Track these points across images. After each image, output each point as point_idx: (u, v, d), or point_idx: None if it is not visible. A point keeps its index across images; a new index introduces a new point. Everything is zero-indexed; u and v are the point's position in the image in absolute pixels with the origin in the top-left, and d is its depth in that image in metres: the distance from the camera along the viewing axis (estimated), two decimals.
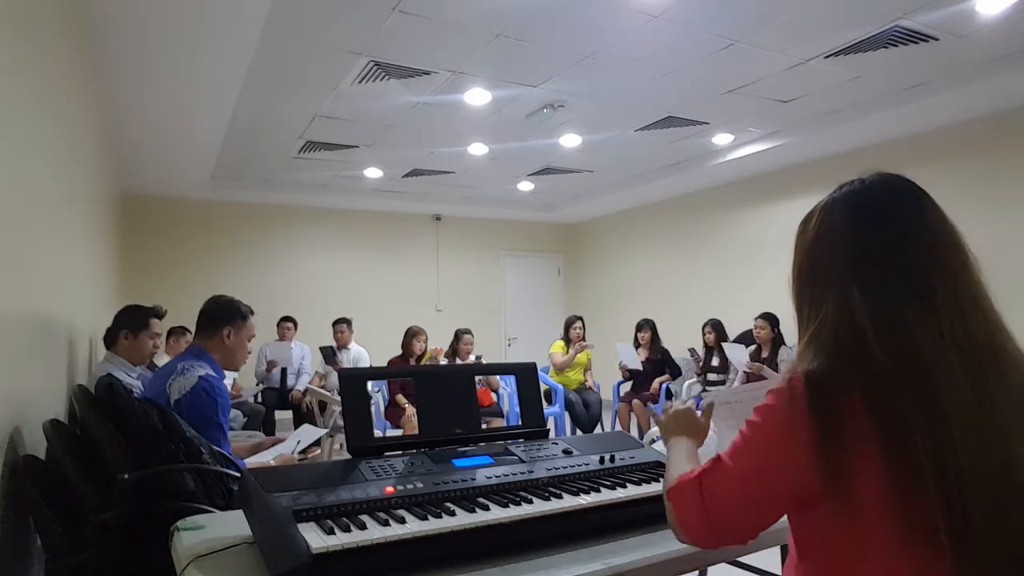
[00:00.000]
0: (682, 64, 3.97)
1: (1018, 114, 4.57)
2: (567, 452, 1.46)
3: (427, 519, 1.08)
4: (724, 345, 5.43)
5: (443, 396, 1.50)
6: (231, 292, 2.48)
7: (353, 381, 1.41)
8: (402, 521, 1.07)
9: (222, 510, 1.46)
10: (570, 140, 5.51)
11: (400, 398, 5.12)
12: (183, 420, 1.79)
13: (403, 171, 6.46)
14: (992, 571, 0.77)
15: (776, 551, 1.50)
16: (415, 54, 3.77)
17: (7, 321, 1.65)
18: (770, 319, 5.17)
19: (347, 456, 1.35)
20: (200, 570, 1.07)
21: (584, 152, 5.92)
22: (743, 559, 1.67)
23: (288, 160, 6.00)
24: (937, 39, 3.67)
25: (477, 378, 2.90)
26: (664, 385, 5.82)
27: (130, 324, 3.07)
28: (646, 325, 6.11)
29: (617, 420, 5.88)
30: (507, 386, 5.61)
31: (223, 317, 2.32)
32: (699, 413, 1.25)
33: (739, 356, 5.21)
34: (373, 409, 4.67)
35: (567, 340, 6.13)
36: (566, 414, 5.88)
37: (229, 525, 1.24)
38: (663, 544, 1.17)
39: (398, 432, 4.83)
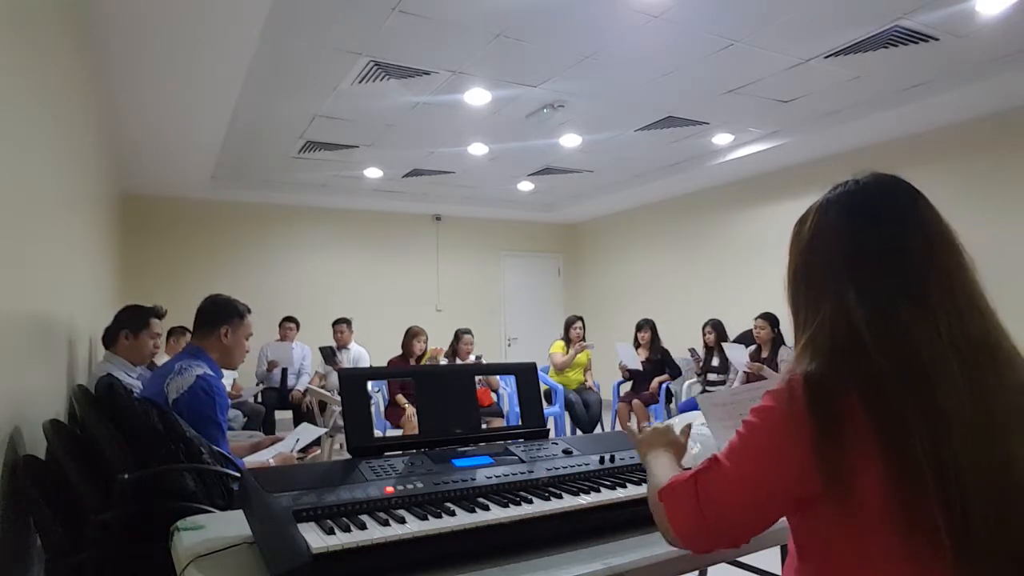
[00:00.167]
0: (682, 64, 3.97)
1: (1018, 114, 4.57)
2: (567, 452, 1.46)
3: (427, 519, 1.08)
4: (724, 345, 5.43)
5: (443, 396, 1.50)
6: (231, 292, 2.48)
7: (353, 381, 1.41)
8: (402, 521, 1.07)
9: (222, 510, 1.46)
10: (570, 140, 5.51)
11: (400, 398, 5.12)
12: (182, 420, 1.79)
13: (403, 171, 6.46)
14: (992, 571, 0.77)
15: (776, 551, 1.51)
16: (415, 54, 3.77)
17: (7, 321, 1.65)
18: (770, 319, 5.17)
19: (347, 456, 1.35)
20: (200, 570, 1.07)
21: (584, 152, 5.92)
22: (743, 559, 1.67)
23: (288, 160, 6.00)
24: (937, 39, 3.67)
25: (477, 378, 2.90)
26: (664, 385, 5.82)
27: (130, 324, 3.07)
28: (646, 325, 6.11)
29: (617, 420, 5.88)
30: (507, 386, 5.61)
31: (220, 316, 2.32)
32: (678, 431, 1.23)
33: (739, 356, 5.21)
34: (373, 409, 4.67)
35: (567, 340, 6.13)
36: (566, 414, 5.88)
37: (229, 525, 1.24)
38: (663, 544, 1.16)
39: (398, 432, 4.84)
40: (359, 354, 6.20)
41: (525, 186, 7.27)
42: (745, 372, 5.14)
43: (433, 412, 1.48)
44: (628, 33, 3.53)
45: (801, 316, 0.95)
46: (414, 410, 4.31)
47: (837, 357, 0.85)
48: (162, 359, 4.37)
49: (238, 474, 1.66)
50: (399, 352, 5.49)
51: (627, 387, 6.09)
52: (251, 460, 2.28)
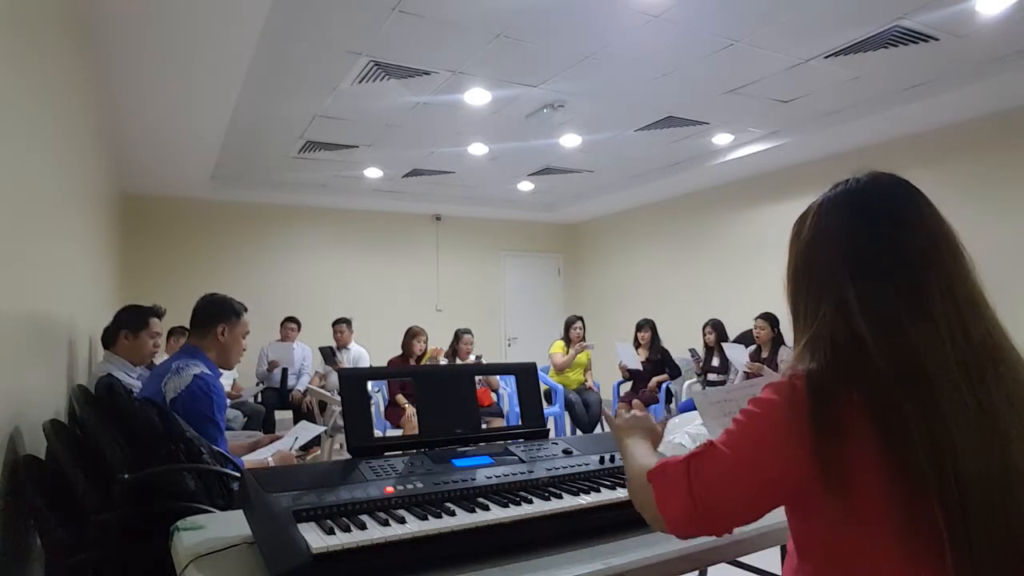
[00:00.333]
0: (682, 64, 3.97)
1: (1018, 114, 4.57)
2: (567, 452, 1.46)
3: (427, 519, 1.09)
4: (724, 345, 5.43)
5: (443, 396, 1.50)
6: (231, 292, 2.48)
7: (353, 381, 1.41)
8: (402, 521, 1.07)
9: (222, 510, 1.46)
10: (570, 140, 5.51)
11: (400, 398, 5.12)
12: (182, 420, 1.79)
13: (403, 171, 6.46)
14: (993, 572, 0.77)
15: (776, 551, 1.51)
16: (415, 54, 3.77)
17: (7, 321, 1.65)
18: (770, 319, 5.17)
19: (347, 456, 1.35)
20: (200, 570, 1.07)
21: (584, 152, 5.92)
22: (743, 559, 1.67)
23: (288, 160, 6.00)
24: (937, 39, 3.67)
25: (477, 378, 2.90)
26: (664, 385, 5.83)
27: (130, 324, 3.07)
28: (646, 325, 6.11)
29: None
30: (507, 386, 5.61)
31: (216, 315, 2.31)
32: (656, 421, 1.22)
33: (739, 356, 5.21)
34: (373, 409, 4.67)
35: (567, 340, 6.14)
36: (566, 414, 5.89)
37: (229, 525, 1.24)
38: (663, 544, 1.17)
39: (398, 432, 4.84)
40: (359, 354, 6.20)
41: (525, 186, 7.27)
42: (745, 372, 5.14)
43: (433, 412, 1.48)
44: (628, 33, 3.53)
45: (801, 315, 0.94)
46: (414, 410, 4.31)
47: (838, 358, 0.85)
48: (162, 359, 4.37)
49: (238, 474, 1.66)
50: (399, 352, 5.49)
51: (627, 387, 6.09)
52: (250, 459, 2.28)
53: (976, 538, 0.76)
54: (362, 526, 1.04)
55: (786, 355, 5.00)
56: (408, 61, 3.86)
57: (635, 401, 5.74)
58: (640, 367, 5.88)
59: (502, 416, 5.38)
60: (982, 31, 3.58)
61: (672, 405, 5.85)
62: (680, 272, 7.49)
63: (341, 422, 2.34)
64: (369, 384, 1.61)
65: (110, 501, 1.45)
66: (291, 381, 6.15)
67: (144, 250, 6.69)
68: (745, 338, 5.58)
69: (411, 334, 5.41)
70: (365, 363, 6.12)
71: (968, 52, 3.87)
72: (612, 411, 1.24)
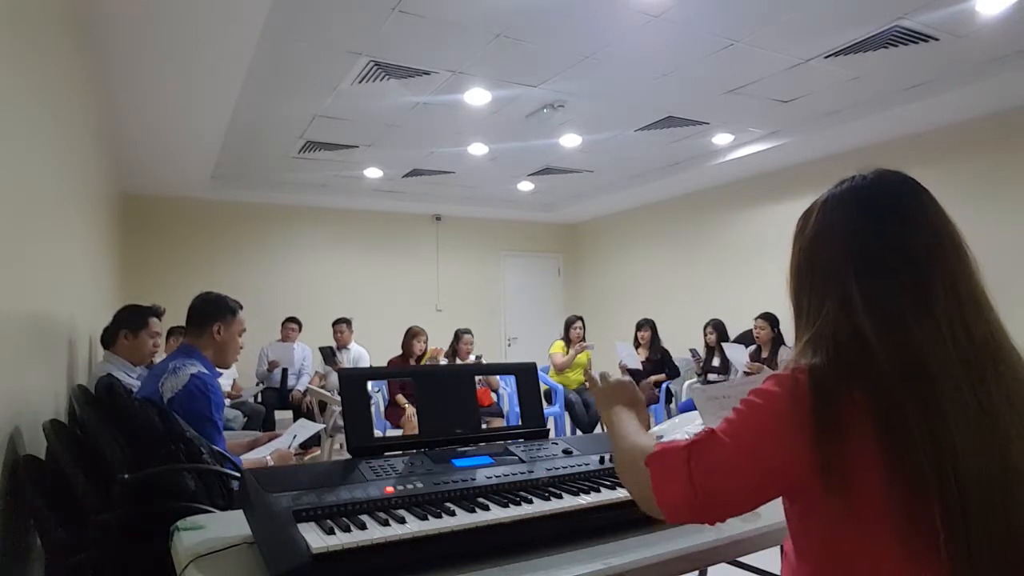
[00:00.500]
0: (682, 64, 3.97)
1: (1018, 114, 4.57)
2: (567, 452, 1.46)
3: (427, 519, 1.09)
4: (724, 345, 5.43)
5: (443, 396, 1.50)
6: (231, 292, 2.47)
7: (353, 381, 1.41)
8: (402, 521, 1.07)
9: (222, 510, 1.46)
10: (570, 140, 5.51)
11: (400, 398, 5.12)
12: (182, 420, 1.79)
13: (403, 171, 6.46)
14: (993, 570, 0.77)
15: (776, 551, 1.50)
16: (415, 54, 3.77)
17: (7, 321, 1.65)
18: (770, 319, 5.18)
19: (347, 456, 1.35)
20: (200, 570, 1.07)
21: (584, 152, 5.92)
22: (743, 559, 1.67)
23: (288, 160, 6.00)
24: (937, 39, 3.67)
25: (477, 378, 2.90)
26: (664, 385, 5.83)
27: (130, 323, 3.07)
28: (646, 324, 6.12)
29: None
30: (507, 386, 5.61)
31: (212, 314, 2.30)
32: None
33: (739, 356, 5.21)
34: (373, 409, 4.67)
35: (567, 340, 6.14)
36: (566, 414, 5.89)
37: (229, 525, 1.24)
38: (663, 544, 1.17)
39: (398, 432, 4.84)
40: (359, 354, 6.20)
41: (525, 186, 7.27)
42: (745, 372, 5.14)
43: (433, 412, 1.48)
44: (628, 33, 3.53)
45: (804, 312, 0.94)
46: (414, 410, 4.31)
47: (840, 355, 0.85)
48: (161, 359, 4.37)
49: (238, 474, 1.66)
50: (399, 352, 5.49)
51: None
52: (249, 458, 2.28)
53: (975, 538, 0.76)
54: (362, 526, 1.04)
55: (786, 355, 5.00)
56: (408, 61, 3.86)
57: None
58: (640, 367, 5.88)
59: (502, 416, 5.38)
60: (982, 31, 3.58)
61: (672, 405, 5.85)
62: (680, 272, 7.49)
63: (341, 422, 2.33)
64: (369, 384, 1.61)
65: (110, 501, 1.45)
66: (291, 381, 6.15)
67: (144, 250, 6.69)
68: (745, 338, 5.58)
69: (411, 334, 5.41)
70: (365, 363, 6.12)
71: (968, 52, 3.87)
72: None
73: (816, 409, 0.82)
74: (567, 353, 6.06)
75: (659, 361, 5.98)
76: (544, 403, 3.52)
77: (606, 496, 1.26)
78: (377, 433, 1.91)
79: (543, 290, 9.29)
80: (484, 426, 1.57)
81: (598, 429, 5.80)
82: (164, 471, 1.57)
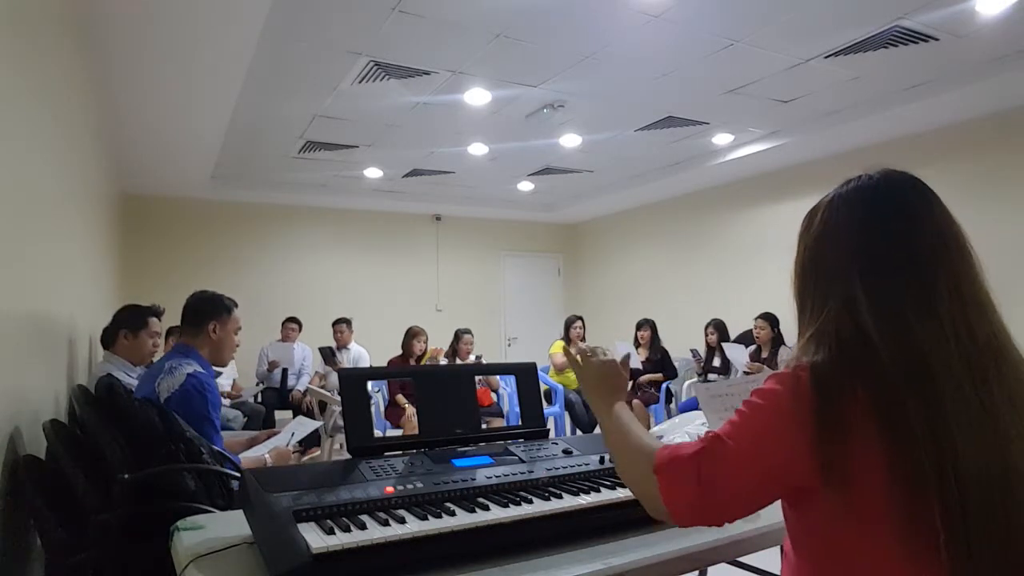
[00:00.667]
0: (682, 64, 3.97)
1: (1018, 114, 4.57)
2: (567, 452, 1.46)
3: (427, 519, 1.08)
4: (724, 345, 5.43)
5: (443, 396, 1.50)
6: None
7: (353, 381, 1.41)
8: (402, 521, 1.07)
9: (222, 510, 1.46)
10: (570, 140, 5.51)
11: (400, 398, 5.12)
12: (182, 420, 1.79)
13: (403, 171, 6.46)
14: (992, 570, 0.77)
15: (776, 551, 1.50)
16: (415, 54, 3.77)
17: (7, 321, 1.65)
18: (770, 319, 5.18)
19: (347, 456, 1.35)
20: (200, 570, 1.07)
21: (584, 152, 5.92)
22: (743, 559, 1.67)
23: (288, 160, 6.00)
24: (937, 39, 3.67)
25: (477, 378, 2.90)
26: (664, 385, 5.83)
27: (129, 323, 3.07)
28: (646, 324, 6.12)
29: None
30: (507, 386, 5.61)
31: (207, 312, 2.29)
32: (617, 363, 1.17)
33: (739, 356, 5.21)
34: (373, 409, 4.67)
35: (567, 340, 6.14)
36: (566, 414, 5.89)
37: (229, 525, 1.24)
38: (663, 544, 1.17)
39: (398, 432, 4.84)
40: (359, 354, 6.20)
41: (525, 186, 7.27)
42: (745, 372, 5.14)
43: (433, 412, 1.48)
44: (628, 33, 3.53)
45: (807, 309, 0.94)
46: (414, 410, 4.31)
47: (843, 352, 0.85)
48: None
49: (238, 474, 1.66)
50: (399, 352, 5.49)
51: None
52: (247, 456, 2.27)
53: (975, 538, 0.76)
54: (362, 526, 1.04)
55: (786, 355, 5.00)
56: (408, 61, 3.86)
57: (635, 401, 5.74)
58: (640, 366, 5.88)
59: (502, 416, 5.38)
60: (982, 31, 3.58)
61: (672, 405, 5.85)
62: (680, 272, 7.49)
63: (341, 422, 2.33)
64: (369, 384, 1.61)
65: (110, 501, 1.45)
66: (291, 381, 6.15)
67: (144, 250, 6.69)
68: (745, 338, 5.58)
69: (411, 334, 5.41)
70: (365, 363, 6.12)
71: (968, 52, 3.87)
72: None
73: (818, 406, 0.82)
74: None
75: (659, 361, 5.98)
76: (544, 403, 3.52)
77: (606, 496, 1.26)
78: (377, 433, 1.91)
79: (543, 290, 9.29)
80: (484, 426, 1.57)
81: (598, 429, 5.80)
82: (164, 471, 1.57)
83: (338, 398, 4.47)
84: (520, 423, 1.59)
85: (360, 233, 7.96)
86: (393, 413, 5.13)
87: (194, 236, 7.01)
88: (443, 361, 5.45)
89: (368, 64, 3.88)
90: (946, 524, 0.76)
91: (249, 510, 1.17)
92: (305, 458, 5.38)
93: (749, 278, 6.52)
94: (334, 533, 1.01)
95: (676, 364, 6.03)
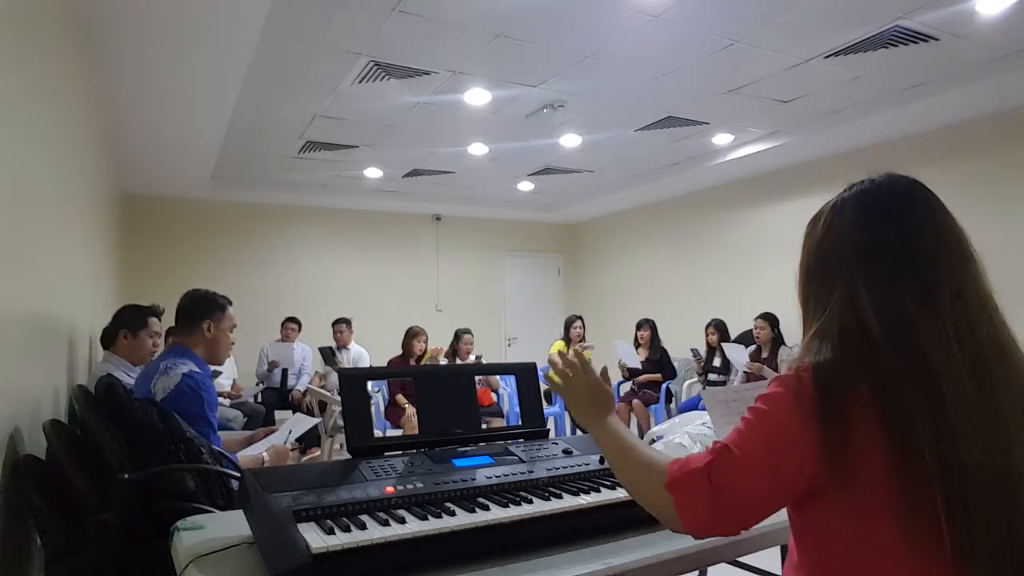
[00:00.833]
0: (682, 64, 3.97)
1: (1018, 114, 4.57)
2: (567, 452, 1.46)
3: (427, 519, 1.08)
4: (724, 345, 5.43)
5: (443, 396, 1.50)
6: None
7: (353, 381, 1.41)
8: (402, 521, 1.07)
9: (222, 510, 1.46)
10: (570, 140, 5.51)
11: (400, 398, 5.12)
12: (182, 420, 1.78)
13: (403, 171, 6.46)
14: (992, 565, 0.77)
15: (776, 551, 1.51)
16: (415, 54, 3.77)
17: (7, 321, 1.65)
18: (770, 319, 5.17)
19: (347, 456, 1.35)
20: (200, 570, 1.07)
21: (584, 152, 5.92)
22: (743, 559, 1.67)
23: (288, 160, 6.00)
24: (937, 39, 3.67)
25: (477, 378, 2.90)
26: (664, 385, 5.82)
27: (129, 323, 3.07)
28: (646, 324, 6.12)
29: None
30: (507, 386, 5.61)
31: (201, 311, 2.28)
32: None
33: (739, 356, 5.21)
34: (373, 409, 4.67)
35: (567, 340, 6.14)
36: (566, 414, 5.88)
37: (229, 525, 1.24)
38: (663, 544, 1.17)
39: (398, 432, 4.84)
40: (359, 354, 6.20)
41: (525, 186, 7.27)
42: (745, 372, 5.14)
43: (433, 412, 1.48)
44: (628, 33, 3.53)
45: (811, 308, 0.95)
46: (414, 410, 4.31)
47: (845, 349, 0.86)
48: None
49: (238, 474, 1.65)
50: (399, 352, 5.49)
51: (627, 387, 6.09)
52: (245, 454, 2.27)
53: (977, 536, 0.77)
54: (362, 526, 1.04)
55: (786, 355, 5.00)
56: (408, 61, 3.86)
57: (635, 401, 5.74)
58: (639, 366, 5.88)
59: (502, 416, 5.38)
60: (982, 31, 3.58)
61: (672, 405, 5.86)
62: (680, 272, 7.49)
63: (341, 422, 2.33)
64: (369, 384, 1.61)
65: (110, 501, 1.45)
66: (291, 381, 6.15)
67: (144, 250, 6.69)
68: (745, 338, 5.58)
69: (411, 334, 5.42)
70: (365, 363, 6.12)
71: (968, 52, 3.87)
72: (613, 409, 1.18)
73: (820, 404, 0.83)
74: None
75: (658, 361, 5.98)
76: (544, 403, 3.52)
77: (606, 496, 1.26)
78: (377, 433, 1.91)
79: (543, 290, 9.29)
80: (484, 426, 1.57)
81: None
82: (164, 471, 1.57)
83: (338, 398, 4.47)
84: (520, 423, 1.59)
85: (360, 233, 7.96)
86: (393, 413, 5.13)
87: (194, 236, 7.01)
88: (443, 361, 5.45)
89: (368, 64, 3.88)
90: (948, 522, 0.77)
91: (249, 510, 1.17)
92: (305, 458, 5.39)
93: (749, 278, 6.52)
94: (334, 533, 1.01)
95: (676, 364, 6.03)
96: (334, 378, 5.78)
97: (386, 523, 1.06)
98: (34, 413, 1.96)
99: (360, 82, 4.15)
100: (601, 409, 1.11)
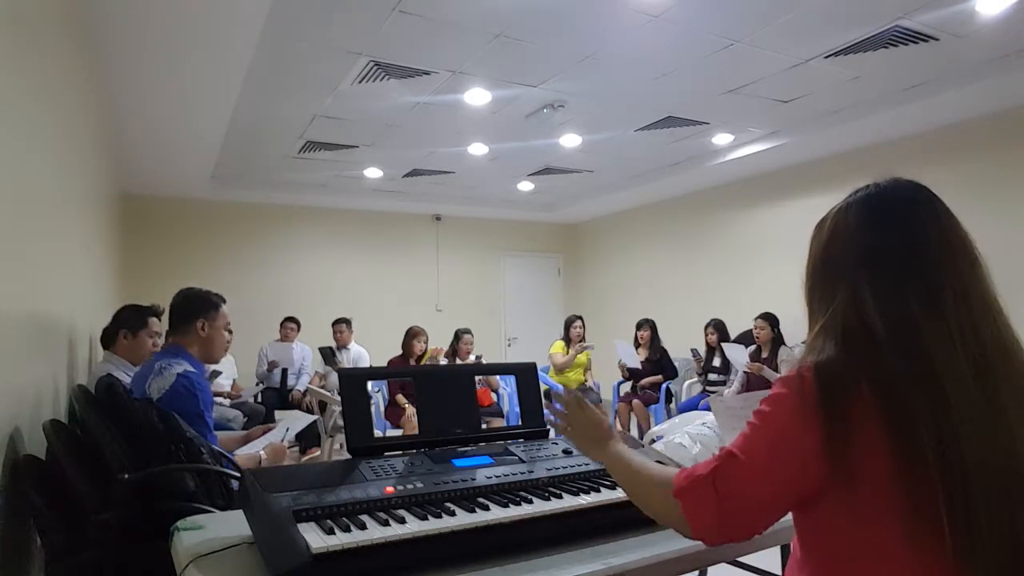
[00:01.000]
0: (682, 64, 3.97)
1: (1018, 114, 4.57)
2: (567, 452, 1.46)
3: (427, 519, 1.09)
4: (724, 345, 5.43)
5: (443, 396, 1.50)
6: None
7: (353, 381, 1.41)
8: (402, 521, 1.07)
9: (222, 510, 1.46)
10: (570, 140, 5.51)
11: (400, 398, 5.12)
12: (182, 420, 1.78)
13: (403, 171, 6.46)
14: (994, 565, 0.77)
15: (776, 551, 1.51)
16: (415, 54, 3.77)
17: (7, 321, 1.65)
18: (770, 319, 5.17)
19: (347, 456, 1.35)
20: (200, 570, 1.07)
21: (584, 152, 5.92)
22: (743, 559, 1.67)
23: (288, 160, 6.00)
24: (937, 39, 3.67)
25: (477, 378, 2.89)
26: (664, 385, 5.82)
27: (129, 323, 3.07)
28: (646, 324, 6.11)
29: (617, 420, 5.88)
30: (507, 386, 5.61)
31: (195, 310, 2.26)
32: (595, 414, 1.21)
33: (739, 356, 5.21)
34: (373, 409, 4.67)
35: (567, 340, 6.14)
36: None
37: (229, 525, 1.24)
38: (663, 544, 1.17)
39: (398, 432, 4.84)
40: (359, 354, 6.20)
41: (525, 186, 7.27)
42: (745, 372, 5.14)
43: (433, 412, 1.48)
44: (628, 33, 3.53)
45: (816, 307, 0.96)
46: (414, 410, 4.31)
47: (848, 348, 0.87)
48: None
49: (238, 474, 1.65)
50: (399, 352, 5.49)
51: (627, 387, 6.09)
52: (242, 452, 2.26)
53: (979, 535, 0.77)
54: (362, 526, 1.04)
55: (786, 355, 5.00)
56: (408, 61, 3.86)
57: (635, 401, 5.74)
58: (639, 366, 5.88)
59: (502, 416, 5.38)
60: (982, 31, 3.58)
61: (672, 405, 5.85)
62: (680, 272, 7.49)
63: (341, 422, 2.33)
64: (369, 384, 1.61)
65: (110, 501, 1.45)
66: (291, 381, 6.15)
67: (144, 250, 6.69)
68: (745, 338, 5.58)
69: (411, 334, 5.41)
70: (365, 363, 6.12)
71: (968, 52, 3.87)
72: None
73: (823, 403, 0.84)
74: (567, 353, 6.06)
75: (659, 361, 5.98)
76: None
77: (606, 496, 1.26)
78: (377, 433, 1.91)
79: (543, 290, 9.29)
80: (484, 426, 1.57)
81: None
82: (164, 471, 1.57)
83: (338, 398, 4.47)
84: (520, 423, 1.59)
85: (360, 233, 7.96)
86: (393, 413, 5.13)
87: (194, 236, 7.02)
88: (443, 361, 5.45)
89: (368, 64, 3.88)
90: (950, 522, 0.77)
91: (249, 510, 1.17)
92: (305, 458, 5.39)
93: (749, 278, 6.52)
94: (334, 533, 1.01)
95: (676, 364, 6.03)
96: (334, 378, 5.78)
97: (386, 523, 1.06)
98: (34, 413, 1.96)
99: (360, 82, 4.15)
100: (601, 439, 1.13)
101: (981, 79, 4.12)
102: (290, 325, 6.34)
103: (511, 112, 4.78)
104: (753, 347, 5.28)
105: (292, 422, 2.51)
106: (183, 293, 2.32)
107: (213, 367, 5.14)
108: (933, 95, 4.38)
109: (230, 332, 2.48)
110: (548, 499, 1.22)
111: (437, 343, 5.76)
